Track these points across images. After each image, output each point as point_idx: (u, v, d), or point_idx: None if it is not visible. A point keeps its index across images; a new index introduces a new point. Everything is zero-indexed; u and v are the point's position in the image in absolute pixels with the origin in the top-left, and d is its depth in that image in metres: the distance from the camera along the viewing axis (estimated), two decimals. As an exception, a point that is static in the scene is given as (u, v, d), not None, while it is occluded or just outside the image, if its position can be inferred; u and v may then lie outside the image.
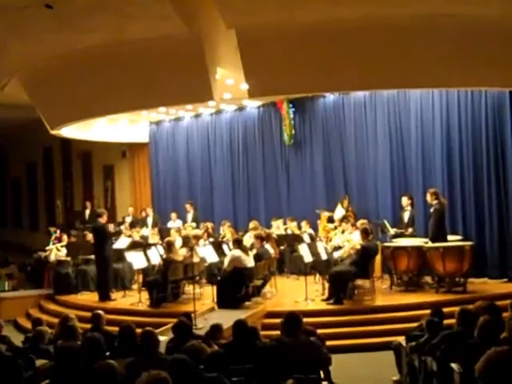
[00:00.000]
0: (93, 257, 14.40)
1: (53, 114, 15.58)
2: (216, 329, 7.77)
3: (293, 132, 17.05)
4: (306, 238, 14.76)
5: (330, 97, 16.46)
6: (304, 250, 12.54)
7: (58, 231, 17.11)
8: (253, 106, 17.92)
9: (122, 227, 16.59)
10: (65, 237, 16.50)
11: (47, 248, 16.32)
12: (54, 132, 16.68)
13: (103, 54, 12.40)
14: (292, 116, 17.02)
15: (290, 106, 16.95)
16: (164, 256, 13.28)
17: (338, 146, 16.37)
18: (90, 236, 15.84)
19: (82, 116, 14.91)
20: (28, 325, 12.54)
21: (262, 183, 17.97)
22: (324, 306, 11.80)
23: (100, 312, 8.48)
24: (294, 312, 6.81)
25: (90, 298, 14.16)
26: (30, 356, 6.77)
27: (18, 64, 13.54)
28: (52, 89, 14.37)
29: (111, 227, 15.26)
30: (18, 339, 8.77)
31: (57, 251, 15.89)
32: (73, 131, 17.40)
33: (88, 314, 9.53)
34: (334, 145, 16.49)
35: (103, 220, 14.01)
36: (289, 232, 16.03)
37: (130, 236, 15.96)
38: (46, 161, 26.07)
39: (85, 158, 23.54)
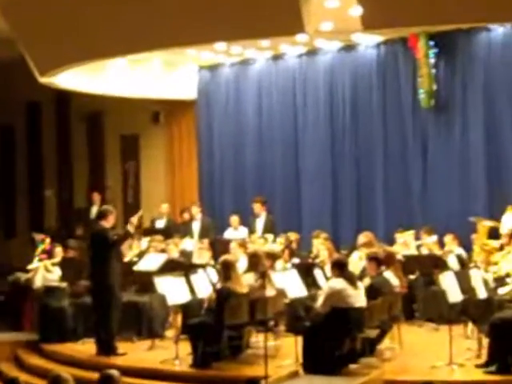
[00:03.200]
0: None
1: (45, 52, 15.86)
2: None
3: (434, 87, 17.00)
4: (453, 263, 14.75)
5: (499, 30, 16.31)
6: (449, 283, 12.47)
7: (48, 240, 17.33)
8: (368, 43, 17.98)
9: (129, 227, 15.82)
10: (58, 249, 16.66)
11: (30, 267, 16.56)
12: (44, 80, 16.96)
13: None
14: (433, 61, 16.97)
15: (431, 44, 16.91)
16: (218, 285, 13.39)
17: (510, 112, 16.22)
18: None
19: (90, 55, 15.16)
20: (-2, 388, 12.82)
21: (380, 171, 18.02)
22: (481, 376, 11.64)
23: (114, 373, 8.54)
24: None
25: (95, 348, 14.35)
26: None
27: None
28: (44, 15, 14.61)
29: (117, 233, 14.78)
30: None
31: (45, 272, 16.10)
32: (74, 80, 17.71)
33: (93, 375, 9.65)
34: (502, 109, 16.41)
35: (107, 223, 14.02)
36: (424, 252, 16.01)
37: (163, 250, 16.04)
38: (30, 126, 26.38)
39: (92, 122, 23.93)
